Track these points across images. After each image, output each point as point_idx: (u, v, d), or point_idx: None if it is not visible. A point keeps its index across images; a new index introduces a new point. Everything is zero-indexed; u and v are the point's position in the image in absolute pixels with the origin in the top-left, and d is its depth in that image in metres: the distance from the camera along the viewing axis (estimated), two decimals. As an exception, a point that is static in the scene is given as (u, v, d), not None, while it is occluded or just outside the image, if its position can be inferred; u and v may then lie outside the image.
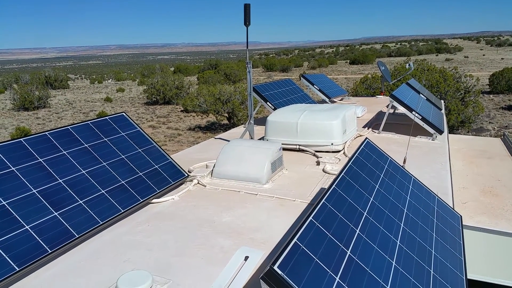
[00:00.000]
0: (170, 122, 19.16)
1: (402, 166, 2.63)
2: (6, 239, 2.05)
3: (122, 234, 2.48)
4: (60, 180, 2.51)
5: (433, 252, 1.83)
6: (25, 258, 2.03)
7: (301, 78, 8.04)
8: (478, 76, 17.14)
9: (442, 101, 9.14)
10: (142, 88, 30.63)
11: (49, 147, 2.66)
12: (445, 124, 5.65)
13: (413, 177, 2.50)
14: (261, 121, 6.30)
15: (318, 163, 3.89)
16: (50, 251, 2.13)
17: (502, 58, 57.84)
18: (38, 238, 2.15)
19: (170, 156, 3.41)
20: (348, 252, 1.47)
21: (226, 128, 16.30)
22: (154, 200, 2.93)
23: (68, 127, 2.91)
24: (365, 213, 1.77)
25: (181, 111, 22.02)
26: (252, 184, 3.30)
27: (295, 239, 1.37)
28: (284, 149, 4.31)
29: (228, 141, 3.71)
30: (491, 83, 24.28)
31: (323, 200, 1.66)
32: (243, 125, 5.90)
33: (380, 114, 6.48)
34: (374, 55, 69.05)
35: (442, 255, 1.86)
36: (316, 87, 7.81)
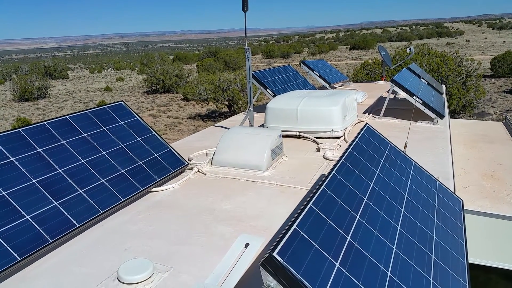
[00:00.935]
0: (170, 110, 19.12)
1: (403, 151, 2.61)
2: (7, 229, 2.05)
3: (123, 223, 2.48)
4: (60, 170, 2.51)
5: (434, 237, 1.82)
6: (26, 248, 2.04)
7: (301, 64, 7.98)
8: (480, 60, 17.01)
9: (443, 85, 9.09)
10: (142, 77, 30.51)
11: (48, 137, 2.64)
12: (446, 108, 5.62)
13: (413, 162, 2.49)
14: (261, 108, 6.27)
15: (318, 149, 3.88)
16: (51, 241, 2.14)
17: (504, 42, 57.36)
18: (38, 228, 2.15)
19: (170, 144, 3.40)
20: (348, 238, 1.47)
21: (226, 116, 16.27)
22: (154, 189, 2.93)
23: (67, 116, 2.89)
24: (365, 199, 1.77)
25: (181, 99, 21.96)
26: (252, 171, 3.29)
27: (294, 226, 1.36)
28: (284, 136, 4.29)
29: (228, 128, 3.69)
30: (492, 66, 24.11)
31: (322, 186, 1.65)
32: (243, 112, 5.87)
33: (381, 100, 6.44)
34: (374, 40, 68.54)
35: (443, 239, 1.85)
36: (316, 73, 7.75)
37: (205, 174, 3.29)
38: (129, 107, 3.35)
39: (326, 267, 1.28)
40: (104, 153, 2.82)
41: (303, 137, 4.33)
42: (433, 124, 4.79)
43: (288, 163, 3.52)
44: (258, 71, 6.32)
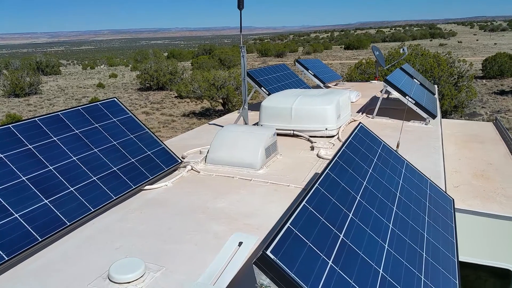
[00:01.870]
0: (164, 108, 19.05)
1: (395, 151, 2.63)
2: (-3, 227, 2.03)
3: (115, 221, 2.47)
4: (51, 167, 2.48)
5: (426, 235, 1.83)
6: (15, 247, 2.01)
7: (296, 63, 7.98)
8: (472, 61, 17.14)
9: (436, 86, 9.14)
10: (135, 74, 30.36)
11: (39, 134, 2.62)
12: (438, 108, 5.66)
13: (406, 161, 2.50)
14: (256, 107, 6.26)
15: (312, 148, 3.88)
16: (40, 239, 2.12)
17: (495, 43, 57.85)
18: (28, 226, 2.13)
19: (163, 142, 3.38)
20: (341, 236, 1.47)
21: (221, 114, 16.24)
22: (147, 187, 2.91)
23: (59, 113, 2.86)
24: (358, 197, 1.77)
25: (175, 97, 21.88)
26: (246, 169, 3.29)
27: (288, 224, 1.36)
28: (278, 134, 4.29)
29: (222, 126, 3.69)
30: (484, 68, 24.31)
31: (316, 185, 1.65)
32: (237, 110, 5.86)
33: (374, 99, 6.46)
34: (368, 40, 68.80)
35: (435, 238, 1.86)
36: (310, 72, 7.76)
37: (199, 172, 3.28)
38: (122, 103, 3.33)
39: (319, 265, 1.28)
40: (96, 150, 2.80)
41: (297, 136, 4.33)
42: (425, 124, 4.82)
43: (282, 162, 3.52)
44: (253, 69, 6.31)
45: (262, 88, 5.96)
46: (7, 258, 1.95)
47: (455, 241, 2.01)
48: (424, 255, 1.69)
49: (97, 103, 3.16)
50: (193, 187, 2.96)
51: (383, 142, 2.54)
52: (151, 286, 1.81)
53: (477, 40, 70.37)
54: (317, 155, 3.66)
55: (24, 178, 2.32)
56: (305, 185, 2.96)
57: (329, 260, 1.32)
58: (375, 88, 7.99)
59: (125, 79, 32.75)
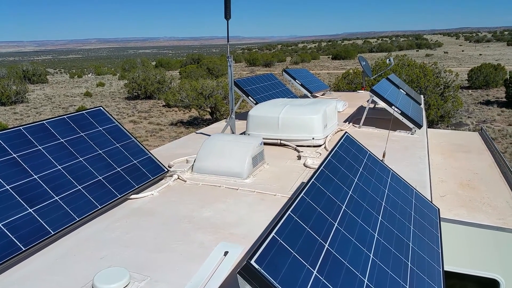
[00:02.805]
0: (152, 117, 18.97)
1: (382, 160, 2.65)
2: (-22, 237, 1.99)
3: (100, 230, 2.44)
4: (35, 176, 2.45)
5: (411, 244, 1.84)
6: (-3, 256, 1.98)
7: (283, 72, 8.03)
8: (457, 72, 17.44)
9: (422, 96, 9.26)
10: (123, 83, 30.22)
11: (24, 142, 2.58)
12: (424, 118, 5.73)
13: (391, 171, 2.52)
14: (244, 116, 6.27)
15: (299, 157, 3.89)
16: (24, 249, 2.08)
17: (480, 54, 58.98)
18: (11, 236, 2.09)
19: (150, 151, 3.36)
20: (326, 246, 1.47)
21: (208, 123, 16.23)
22: (132, 196, 2.88)
23: (44, 121, 2.83)
24: (343, 207, 1.78)
25: (163, 106, 21.82)
26: (233, 179, 3.28)
27: (273, 233, 1.36)
28: (265, 143, 4.30)
29: (210, 136, 3.68)
30: (469, 78, 24.75)
31: (301, 194, 1.66)
32: (225, 119, 5.86)
33: (361, 109, 6.52)
34: (355, 50, 69.60)
35: (420, 247, 1.88)
36: (298, 81, 7.81)
37: (185, 181, 3.26)
38: (108, 112, 3.31)
39: (303, 275, 1.28)
40: (81, 159, 2.77)
41: (284, 145, 4.34)
42: (411, 134, 4.87)
43: (269, 171, 3.53)
44: (240, 79, 6.33)
45: (250, 97, 5.97)
46: (-13, 269, 1.91)
47: (440, 251, 2.02)
48: (409, 264, 1.70)
49: (83, 112, 3.14)
50: (179, 196, 2.94)
51: (368, 152, 2.56)
52: (135, 297, 1.79)
53: (462, 50, 71.70)
54: (304, 164, 3.68)
55: (8, 187, 2.29)
56: (292, 194, 2.96)
57: (314, 270, 1.32)
58: (362, 98, 8.07)
59: (113, 88, 32.59)
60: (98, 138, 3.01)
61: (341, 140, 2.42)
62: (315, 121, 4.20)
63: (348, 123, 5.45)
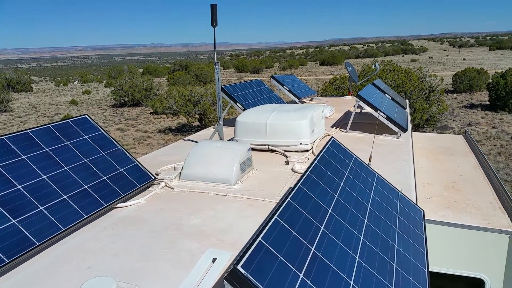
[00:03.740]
0: (139, 124, 18.86)
1: (368, 164, 2.67)
2: (-39, 249, 1.96)
3: (86, 240, 2.41)
4: (19, 186, 2.42)
5: (396, 246, 1.86)
6: (-19, 268, 1.94)
7: (271, 79, 8.07)
8: (442, 76, 17.70)
9: (407, 100, 9.38)
10: (110, 90, 30.02)
11: (7, 152, 2.55)
12: (409, 122, 5.80)
13: (377, 174, 2.55)
14: (232, 122, 6.28)
15: (287, 162, 3.91)
16: (7, 261, 2.05)
17: (464, 59, 59.96)
18: (-5, 247, 2.06)
19: (136, 159, 3.35)
20: (313, 249, 1.48)
21: (197, 129, 16.19)
22: (119, 205, 2.86)
23: (28, 130, 2.80)
24: (329, 210, 1.79)
25: (151, 113, 21.71)
26: (221, 185, 3.28)
27: (259, 238, 1.36)
28: (253, 149, 4.31)
29: (197, 142, 3.68)
30: (454, 82, 25.14)
31: (288, 199, 1.67)
32: (213, 126, 5.87)
33: (348, 114, 6.58)
34: (342, 56, 70.24)
35: (405, 249, 1.90)
36: (286, 87, 7.85)
37: (173, 188, 3.25)
38: (93, 120, 3.29)
39: (290, 279, 1.29)
40: (66, 168, 2.75)
41: (272, 151, 4.36)
42: (397, 138, 4.93)
43: (257, 177, 3.53)
44: (228, 85, 6.34)
45: (238, 103, 5.99)
46: (-29, 282, 1.88)
47: (425, 252, 2.05)
48: (395, 266, 1.72)
49: (68, 120, 3.11)
50: (167, 204, 2.93)
51: (354, 156, 2.59)
52: (122, 305, 1.77)
53: (447, 55, 72.83)
54: (292, 169, 3.69)
55: (-10, 198, 2.25)
56: (280, 199, 2.97)
57: (300, 273, 1.33)
58: (349, 103, 8.14)
59: (99, 95, 32.36)
60: (84, 147, 2.99)
61: (327, 145, 2.44)
62: (303, 127, 4.23)
63: (335, 128, 5.50)
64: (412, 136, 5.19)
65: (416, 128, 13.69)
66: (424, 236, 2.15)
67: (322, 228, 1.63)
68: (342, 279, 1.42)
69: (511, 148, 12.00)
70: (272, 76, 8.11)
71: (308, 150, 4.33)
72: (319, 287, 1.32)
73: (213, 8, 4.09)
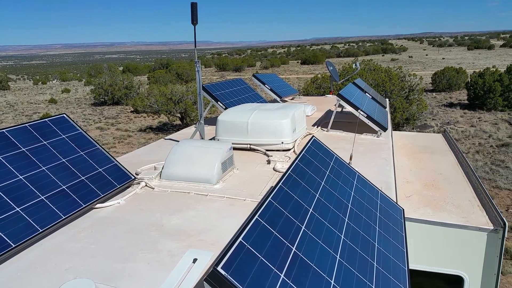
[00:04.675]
0: (119, 123, 18.62)
1: (348, 163, 2.69)
2: None
3: (64, 241, 2.36)
4: (-6, 187, 2.35)
5: (376, 245, 1.88)
6: (-47, 272, 1.88)
7: (253, 77, 8.06)
8: (422, 75, 18.02)
9: (387, 99, 9.49)
10: (89, 89, 29.56)
11: (-19, 152, 2.48)
12: (389, 121, 5.86)
13: (357, 173, 2.56)
14: (213, 121, 6.25)
15: (268, 161, 3.91)
16: (-18, 263, 1.99)
17: (443, 58, 61.07)
18: (-32, 250, 2.00)
19: (116, 158, 3.30)
20: (293, 249, 1.48)
21: (179, 128, 16.07)
22: (98, 205, 2.81)
23: (4, 130, 2.73)
24: (310, 210, 1.79)
25: (131, 111, 21.46)
26: (203, 185, 3.26)
27: (240, 239, 1.35)
28: (235, 148, 4.30)
29: (178, 141, 3.64)
30: (433, 81, 25.58)
31: (269, 198, 1.66)
32: (194, 125, 5.82)
33: (329, 113, 6.62)
34: (324, 55, 70.72)
35: (385, 247, 1.92)
36: (267, 86, 7.86)
37: (153, 188, 3.21)
38: (72, 120, 3.23)
39: (270, 279, 1.28)
40: (44, 168, 2.69)
41: (253, 150, 4.35)
42: (377, 137, 4.98)
43: (239, 176, 3.52)
44: (209, 84, 6.31)
45: (219, 102, 5.96)
46: None
47: (405, 250, 2.07)
48: (375, 264, 1.73)
49: (46, 119, 3.04)
50: (146, 204, 2.89)
51: (335, 155, 2.60)
52: (101, 308, 1.74)
53: (426, 55, 74.08)
54: (274, 168, 3.69)
55: (-37, 200, 2.19)
56: (261, 198, 2.97)
57: (281, 274, 1.33)
58: (330, 102, 8.20)
59: (79, 94, 31.83)
60: (62, 146, 2.93)
61: (308, 144, 2.45)
62: (284, 126, 4.23)
63: (317, 127, 5.52)
64: (392, 135, 5.25)
65: (396, 126, 13.88)
66: (404, 235, 2.18)
67: (303, 227, 1.63)
68: (323, 279, 1.42)
69: (489, 147, 12.28)
70: (253, 75, 8.10)
71: (289, 149, 4.34)
72: (300, 287, 1.32)
73: (193, 6, 4.06)
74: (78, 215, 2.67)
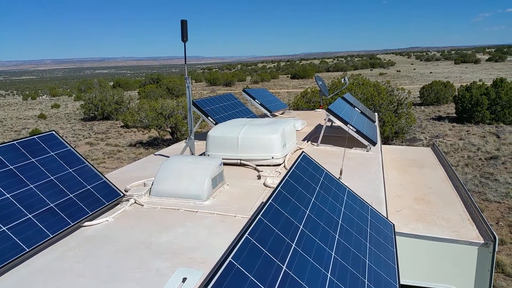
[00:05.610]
0: (109, 138, 18.51)
1: (339, 178, 2.70)
2: None
3: (51, 260, 2.32)
4: (-20, 206, 2.31)
5: (367, 261, 1.87)
6: None
7: (243, 92, 8.09)
8: (410, 89, 18.24)
9: (376, 113, 9.57)
10: (79, 104, 29.43)
11: (-33, 170, 2.45)
12: (378, 135, 5.91)
13: (347, 189, 2.57)
14: (203, 136, 6.24)
15: (259, 177, 3.90)
16: (-34, 285, 1.94)
17: (430, 72, 61.98)
18: (-48, 272, 1.95)
19: (105, 175, 3.27)
20: (284, 267, 1.47)
21: (169, 143, 16.02)
22: (86, 223, 2.77)
23: (-10, 147, 2.70)
24: (301, 227, 1.79)
25: (121, 126, 21.37)
26: (192, 201, 3.23)
27: (229, 258, 1.34)
28: (225, 164, 4.29)
29: (168, 157, 3.63)
30: (421, 95, 25.92)
31: (259, 216, 1.65)
32: (184, 140, 5.81)
33: (319, 127, 6.65)
34: (313, 70, 71.39)
35: (376, 264, 1.91)
36: (257, 101, 7.89)
37: (143, 205, 3.18)
38: (61, 137, 3.20)
39: (261, 299, 1.27)
40: (32, 186, 2.65)
41: (244, 165, 4.34)
42: (367, 151, 5.00)
43: (229, 192, 3.51)
44: (199, 99, 6.32)
45: (209, 117, 5.97)
46: None
47: (396, 266, 2.07)
48: (366, 282, 1.73)
49: (34, 136, 3.02)
50: (136, 222, 2.86)
51: (325, 170, 2.61)
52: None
53: (414, 69, 75.13)
54: (264, 184, 3.68)
55: None
56: (252, 214, 2.95)
57: (271, 293, 1.32)
58: (320, 116, 8.25)
59: (68, 109, 31.66)
60: (50, 164, 2.90)
61: (298, 160, 2.45)
62: (274, 140, 4.24)
63: (307, 142, 5.54)
64: (381, 149, 5.29)
65: (386, 140, 13.99)
66: (394, 250, 2.18)
67: (294, 245, 1.62)
68: (313, 298, 1.41)
69: (478, 159, 12.40)
70: (243, 90, 8.14)
71: (280, 164, 4.34)
72: (290, 306, 1.31)
73: (183, 24, 4.09)
74: (66, 233, 2.63)
